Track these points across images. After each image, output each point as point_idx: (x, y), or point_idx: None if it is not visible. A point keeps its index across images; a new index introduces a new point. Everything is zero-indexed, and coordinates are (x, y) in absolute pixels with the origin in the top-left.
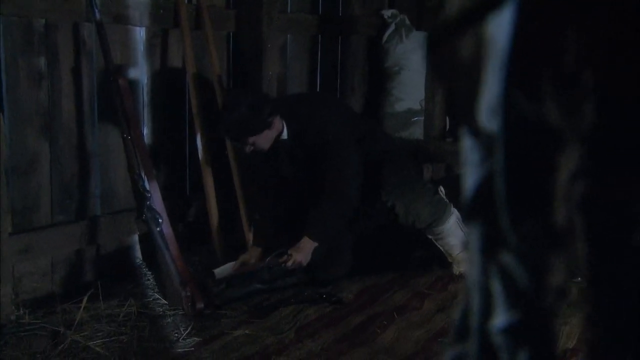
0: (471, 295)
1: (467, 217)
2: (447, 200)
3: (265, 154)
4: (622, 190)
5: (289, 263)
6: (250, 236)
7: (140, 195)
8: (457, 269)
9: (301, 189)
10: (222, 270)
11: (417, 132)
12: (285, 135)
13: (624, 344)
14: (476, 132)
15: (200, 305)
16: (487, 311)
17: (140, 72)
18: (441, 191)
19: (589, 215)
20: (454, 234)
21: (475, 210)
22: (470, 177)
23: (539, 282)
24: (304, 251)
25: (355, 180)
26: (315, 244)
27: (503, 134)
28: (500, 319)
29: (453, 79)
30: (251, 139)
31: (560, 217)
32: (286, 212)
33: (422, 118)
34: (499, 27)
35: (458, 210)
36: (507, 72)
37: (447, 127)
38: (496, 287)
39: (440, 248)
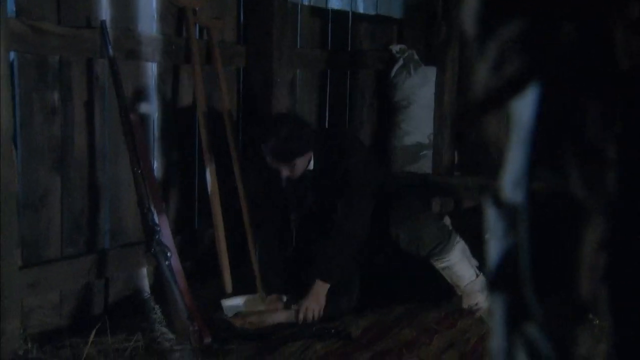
0: None
1: (492, 288)
2: (452, 229)
3: (290, 182)
4: None
5: (309, 318)
6: (257, 272)
7: (149, 229)
8: (466, 303)
9: (315, 221)
10: (231, 302)
11: (425, 165)
12: (311, 165)
13: None
14: (500, 204)
15: (208, 339)
16: None
17: (151, 107)
18: (447, 220)
19: (614, 288)
20: (461, 264)
21: (500, 282)
22: (494, 249)
23: (564, 354)
24: (318, 298)
25: (366, 219)
26: (328, 285)
27: (527, 206)
28: None
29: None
30: (297, 160)
31: (585, 289)
32: (299, 250)
33: (431, 152)
34: (523, 106)
35: (464, 241)
36: (531, 145)
37: (456, 161)
38: (521, 357)
39: (448, 280)
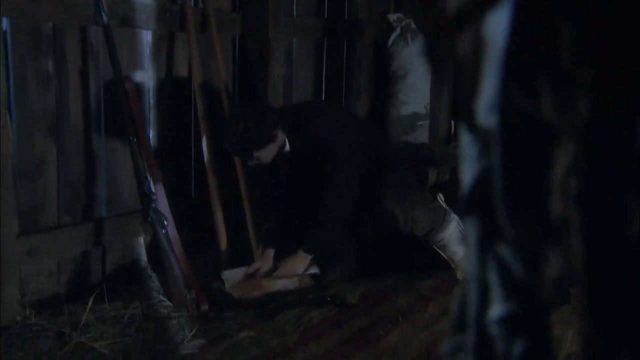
0: (468, 287)
1: (465, 211)
2: (447, 207)
3: (268, 166)
4: (615, 185)
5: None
6: (254, 241)
7: (145, 198)
8: (460, 274)
9: (304, 199)
10: (231, 273)
11: (422, 135)
12: (287, 147)
13: (617, 335)
14: (474, 128)
15: (204, 307)
16: (484, 302)
17: (146, 75)
18: (440, 199)
19: (584, 210)
20: (455, 240)
21: (473, 204)
22: (468, 172)
23: (535, 273)
24: (295, 266)
25: (347, 196)
26: (308, 257)
27: (500, 129)
28: (496, 309)
29: (452, 75)
30: (255, 154)
31: (556, 211)
32: (291, 221)
33: (428, 122)
34: (496, 26)
35: (459, 216)
36: (505, 69)
37: (453, 130)
38: (493, 278)
39: (443, 255)
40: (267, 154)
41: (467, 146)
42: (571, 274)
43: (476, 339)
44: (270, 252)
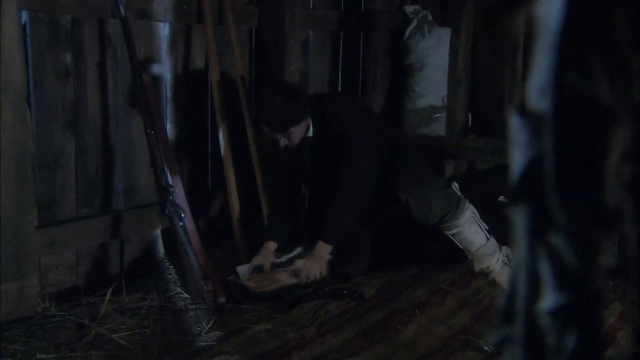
0: (517, 277)
1: (515, 197)
2: (461, 195)
3: (291, 150)
4: None
5: (311, 278)
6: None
7: (163, 190)
8: (477, 266)
9: (322, 187)
10: (245, 268)
11: (439, 128)
12: (311, 132)
13: None
14: (525, 112)
15: (222, 299)
16: (534, 293)
17: (163, 68)
18: (455, 186)
19: (639, 197)
20: (470, 229)
21: (523, 191)
22: (517, 158)
23: (588, 263)
24: (319, 258)
25: (366, 183)
26: (329, 247)
27: (553, 113)
28: (547, 301)
29: (503, 56)
30: (291, 129)
31: (610, 198)
32: (305, 210)
33: (444, 114)
34: (549, 6)
35: (474, 206)
36: (558, 50)
37: (469, 123)
38: (544, 268)
39: (459, 244)
40: (299, 132)
41: (516, 131)
42: (625, 265)
43: (525, 331)
44: (271, 246)
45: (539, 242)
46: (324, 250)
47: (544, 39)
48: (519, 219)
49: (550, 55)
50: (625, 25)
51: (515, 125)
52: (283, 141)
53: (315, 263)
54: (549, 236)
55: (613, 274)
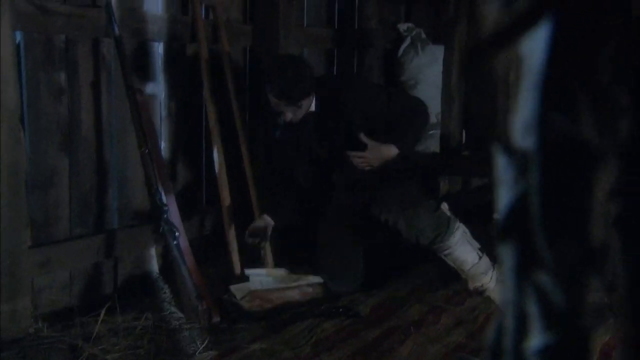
0: (505, 315)
1: (501, 236)
2: (451, 215)
3: (290, 130)
4: None
5: (358, 163)
6: (266, 251)
7: (157, 208)
8: (471, 285)
9: (324, 164)
10: (239, 286)
11: (433, 145)
12: (312, 107)
13: None
14: (510, 150)
15: (216, 318)
16: (522, 332)
17: (157, 87)
18: (444, 207)
19: (625, 234)
20: (462, 248)
21: (510, 230)
22: (504, 196)
23: (575, 301)
24: (381, 153)
25: (426, 110)
26: (396, 151)
27: (538, 152)
28: (536, 340)
29: (488, 96)
30: (302, 102)
31: (596, 236)
32: (306, 191)
33: (438, 131)
34: (534, 45)
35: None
36: (542, 89)
37: (463, 139)
38: (531, 307)
39: (452, 264)
40: (307, 104)
41: (502, 169)
42: (612, 302)
43: None
44: (267, 217)
45: (526, 280)
46: (389, 149)
47: (528, 78)
48: (506, 257)
49: (535, 94)
50: (607, 65)
51: (501, 163)
52: (290, 115)
53: (375, 153)
54: (535, 275)
55: (601, 311)
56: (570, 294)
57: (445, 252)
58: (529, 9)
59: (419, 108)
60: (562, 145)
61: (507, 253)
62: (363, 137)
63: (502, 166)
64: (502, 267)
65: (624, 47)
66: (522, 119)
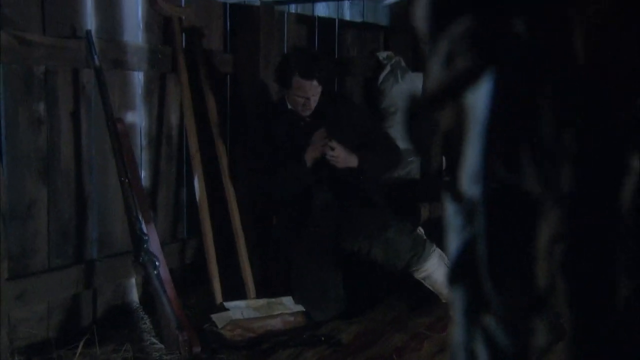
0: (456, 355)
1: (451, 280)
2: (427, 239)
3: (303, 132)
4: (601, 252)
5: (330, 152)
6: (248, 280)
7: (137, 239)
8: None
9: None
10: (220, 315)
11: (414, 171)
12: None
13: None
14: (458, 198)
15: (197, 348)
16: None
17: (138, 116)
18: (420, 231)
19: (570, 278)
20: (440, 271)
21: (459, 273)
22: (453, 242)
23: (520, 344)
24: (345, 158)
25: (399, 154)
26: (357, 161)
27: (483, 200)
28: None
29: (434, 148)
30: (321, 85)
31: (541, 280)
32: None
33: (419, 157)
34: (477, 98)
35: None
36: (486, 141)
37: (444, 165)
38: (479, 349)
39: (431, 288)
40: (319, 94)
41: (451, 215)
42: (558, 344)
43: None
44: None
45: (475, 323)
46: (352, 159)
47: (473, 128)
48: (457, 299)
49: (479, 145)
50: (550, 117)
51: (450, 210)
52: (313, 101)
53: (346, 152)
54: (483, 318)
55: (546, 353)
56: (516, 337)
57: (423, 275)
58: (469, 66)
59: (394, 150)
60: (505, 194)
61: (457, 296)
62: (333, 143)
63: (451, 213)
64: (454, 310)
65: (568, 97)
66: (468, 168)
